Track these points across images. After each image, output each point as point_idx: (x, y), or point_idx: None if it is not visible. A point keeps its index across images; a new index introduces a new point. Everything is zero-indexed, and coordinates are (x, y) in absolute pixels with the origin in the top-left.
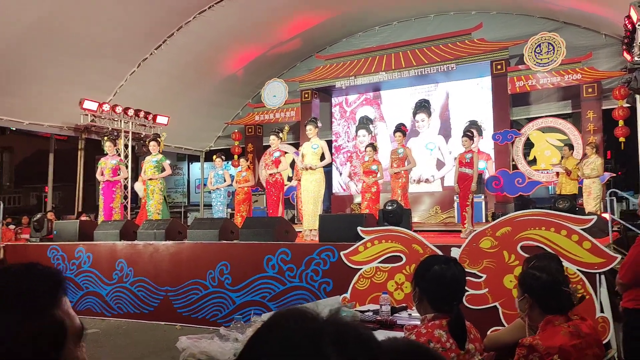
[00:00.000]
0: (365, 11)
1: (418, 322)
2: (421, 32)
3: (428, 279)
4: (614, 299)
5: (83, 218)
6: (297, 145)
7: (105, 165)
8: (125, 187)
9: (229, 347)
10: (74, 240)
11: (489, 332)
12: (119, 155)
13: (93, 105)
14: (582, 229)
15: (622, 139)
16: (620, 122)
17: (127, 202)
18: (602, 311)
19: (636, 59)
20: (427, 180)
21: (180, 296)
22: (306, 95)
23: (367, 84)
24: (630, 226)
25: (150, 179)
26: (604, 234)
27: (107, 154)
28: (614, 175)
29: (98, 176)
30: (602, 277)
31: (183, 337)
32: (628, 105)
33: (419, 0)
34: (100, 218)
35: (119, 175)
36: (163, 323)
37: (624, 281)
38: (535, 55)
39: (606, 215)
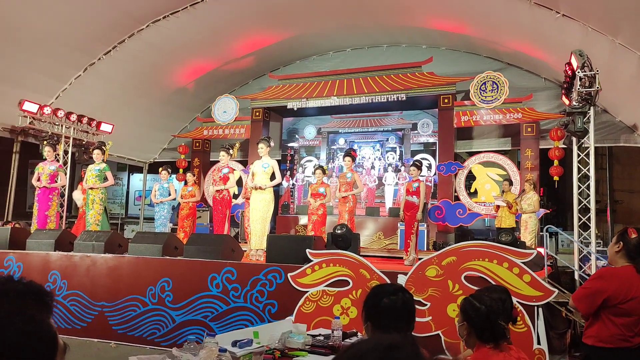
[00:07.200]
0: (321, 35)
1: None
2: (374, 61)
3: (380, 311)
4: (550, 332)
5: (10, 225)
6: (244, 163)
7: (43, 171)
8: (62, 195)
9: None
10: (4, 248)
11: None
12: (58, 161)
13: (33, 107)
14: (522, 262)
15: (556, 178)
16: (555, 162)
17: (62, 211)
18: (538, 343)
19: (574, 103)
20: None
21: (116, 312)
22: (257, 114)
23: (319, 107)
24: (565, 262)
25: (92, 188)
26: (539, 267)
27: (45, 159)
28: (548, 211)
29: (34, 182)
30: (540, 310)
31: (133, 357)
32: (564, 146)
33: (373, 30)
34: (34, 226)
35: (57, 182)
36: (96, 340)
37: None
38: (481, 93)
39: (541, 250)
